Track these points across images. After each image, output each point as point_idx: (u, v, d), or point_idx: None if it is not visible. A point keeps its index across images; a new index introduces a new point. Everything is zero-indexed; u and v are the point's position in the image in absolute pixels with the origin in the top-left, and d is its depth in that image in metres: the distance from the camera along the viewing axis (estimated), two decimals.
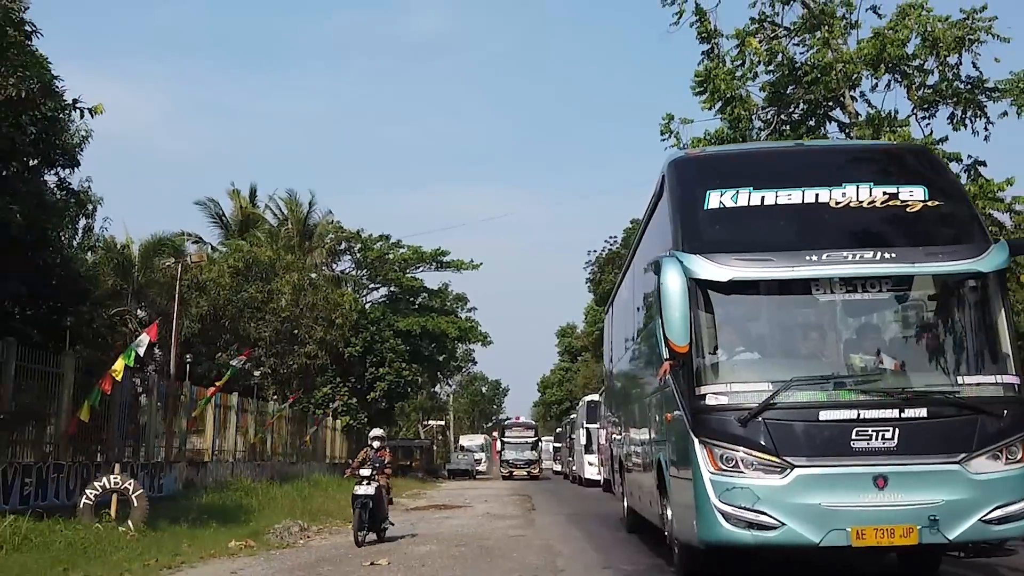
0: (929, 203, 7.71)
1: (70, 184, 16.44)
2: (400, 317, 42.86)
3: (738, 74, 17.91)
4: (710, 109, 18.23)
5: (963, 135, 17.10)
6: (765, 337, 7.81)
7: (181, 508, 14.44)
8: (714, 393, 7.17)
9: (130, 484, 12.21)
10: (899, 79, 17.59)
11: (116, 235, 25.34)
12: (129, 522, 11.66)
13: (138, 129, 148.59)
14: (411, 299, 45.93)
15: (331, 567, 9.66)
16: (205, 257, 25.67)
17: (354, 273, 44.64)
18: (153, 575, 9.08)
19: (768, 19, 18.32)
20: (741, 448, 7.00)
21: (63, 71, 13.36)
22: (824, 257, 7.24)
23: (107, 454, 16.29)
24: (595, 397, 31.59)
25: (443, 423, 73.52)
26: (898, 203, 7.73)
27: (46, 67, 11.03)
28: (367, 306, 42.49)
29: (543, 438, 50.73)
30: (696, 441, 7.18)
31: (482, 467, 55.49)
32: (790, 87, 18.20)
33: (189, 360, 22.55)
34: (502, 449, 45.50)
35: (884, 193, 7.77)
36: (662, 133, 18.55)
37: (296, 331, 30.17)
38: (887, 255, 7.26)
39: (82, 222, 21.85)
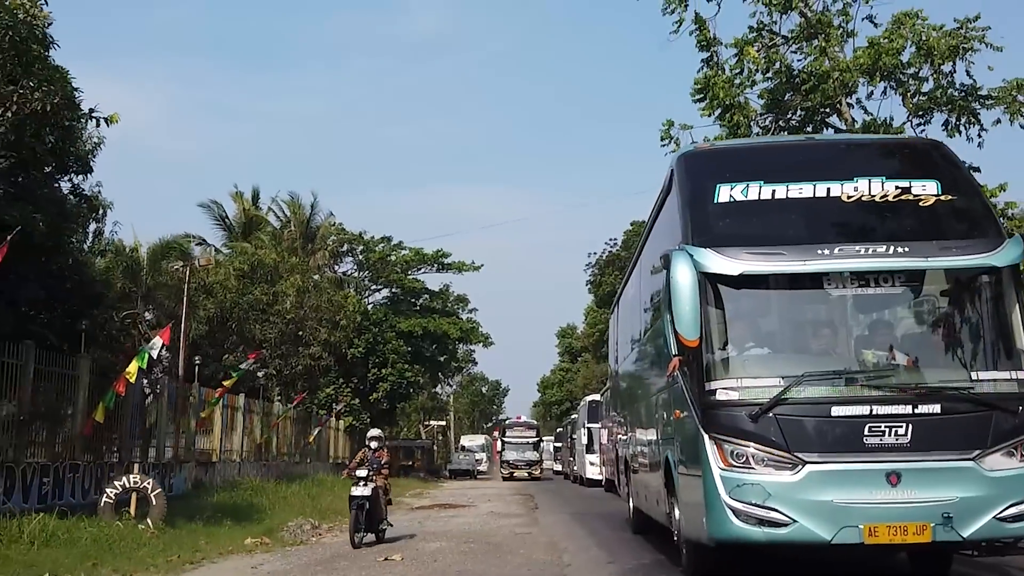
0: (942, 197, 7.61)
1: (83, 190, 16.85)
2: (402, 318, 43.28)
3: (736, 82, 18.27)
4: (709, 116, 18.61)
5: (957, 141, 17.43)
6: (776, 332, 7.76)
7: (194, 507, 14.82)
8: (724, 388, 7.10)
9: (149, 483, 12.61)
10: (894, 86, 17.94)
11: (124, 238, 25.70)
12: (148, 520, 12.06)
13: (138, 129, 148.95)
14: (413, 300, 46.36)
15: (347, 562, 10.05)
16: (213, 260, 26.02)
17: (356, 275, 45.08)
18: (177, 570, 9.47)
19: (766, 28, 18.68)
20: (752, 444, 6.92)
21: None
22: (836, 251, 7.17)
23: (120, 454, 16.67)
24: (596, 397, 31.88)
25: (444, 423, 73.93)
26: (911, 197, 7.63)
27: (68, 80, 11.39)
28: (369, 307, 42.90)
29: (543, 438, 49.92)
30: (706, 437, 7.10)
31: (483, 467, 55.80)
32: (788, 94, 18.57)
33: (198, 362, 22.93)
34: (503, 449, 44.77)
35: (896, 187, 7.68)
36: (662, 139, 18.89)
37: (301, 333, 30.55)
38: (900, 249, 7.17)
39: (92, 226, 22.19)
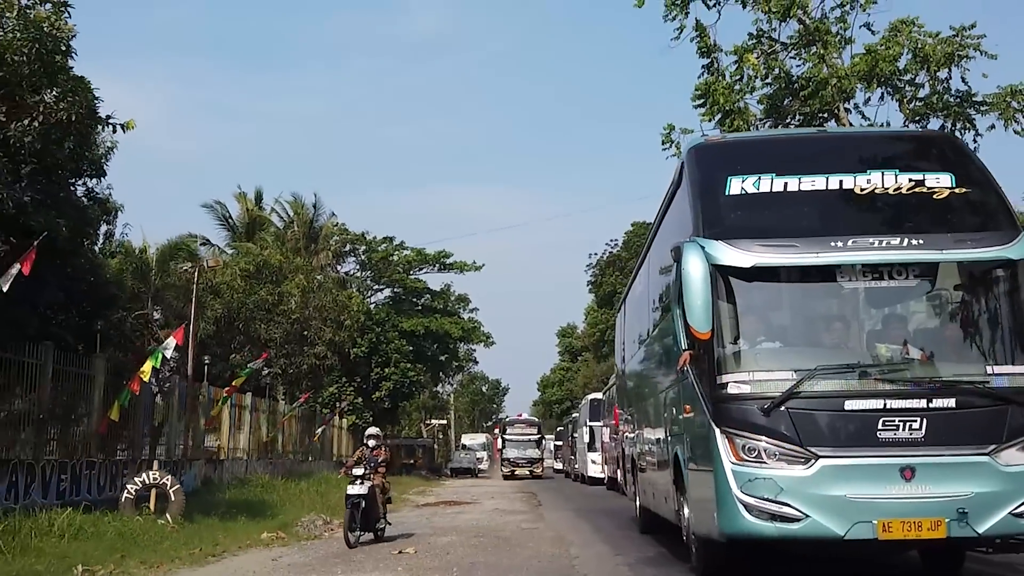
0: (956, 190, 7.53)
1: (97, 193, 17.24)
2: (404, 318, 43.71)
3: (736, 88, 18.67)
4: (710, 121, 19.01)
5: None
6: (788, 325, 7.69)
7: (208, 502, 15.23)
8: (736, 382, 7.03)
9: (168, 479, 13.02)
10: (891, 92, 18.33)
11: (133, 239, 26.09)
12: (167, 515, 12.46)
13: (138, 129, 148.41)
14: (414, 300, 46.78)
15: (363, 555, 10.46)
16: (221, 262, 26.43)
17: (359, 275, 45.50)
18: (200, 562, 9.87)
19: (765, 35, 19.08)
20: (764, 438, 6.85)
21: None
22: (850, 243, 7.09)
23: (131, 452, 17.07)
24: (598, 396, 32.22)
25: (444, 422, 74.37)
26: (925, 190, 7.54)
27: (89, 89, 11.76)
28: (372, 307, 43.32)
29: (545, 436, 49.34)
30: (717, 431, 7.04)
31: (483, 466, 56.15)
32: (786, 100, 18.98)
33: (207, 362, 23.32)
34: (503, 447, 44.06)
35: (910, 180, 7.60)
36: (663, 143, 19.28)
37: (306, 332, 30.94)
38: (914, 242, 7.08)
39: (103, 228, 22.58)
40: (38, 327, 13.29)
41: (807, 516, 6.70)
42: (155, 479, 12.98)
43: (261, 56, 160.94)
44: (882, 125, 18.09)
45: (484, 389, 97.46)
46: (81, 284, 15.72)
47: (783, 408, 6.85)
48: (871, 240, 7.10)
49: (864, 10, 18.13)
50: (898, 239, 7.10)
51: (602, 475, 29.49)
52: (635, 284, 13.95)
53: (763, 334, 7.48)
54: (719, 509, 7.01)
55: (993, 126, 17.59)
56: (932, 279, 7.37)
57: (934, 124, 18.28)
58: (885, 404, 6.80)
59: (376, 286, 46.24)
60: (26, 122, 10.75)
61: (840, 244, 7.10)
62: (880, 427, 6.76)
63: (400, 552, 10.59)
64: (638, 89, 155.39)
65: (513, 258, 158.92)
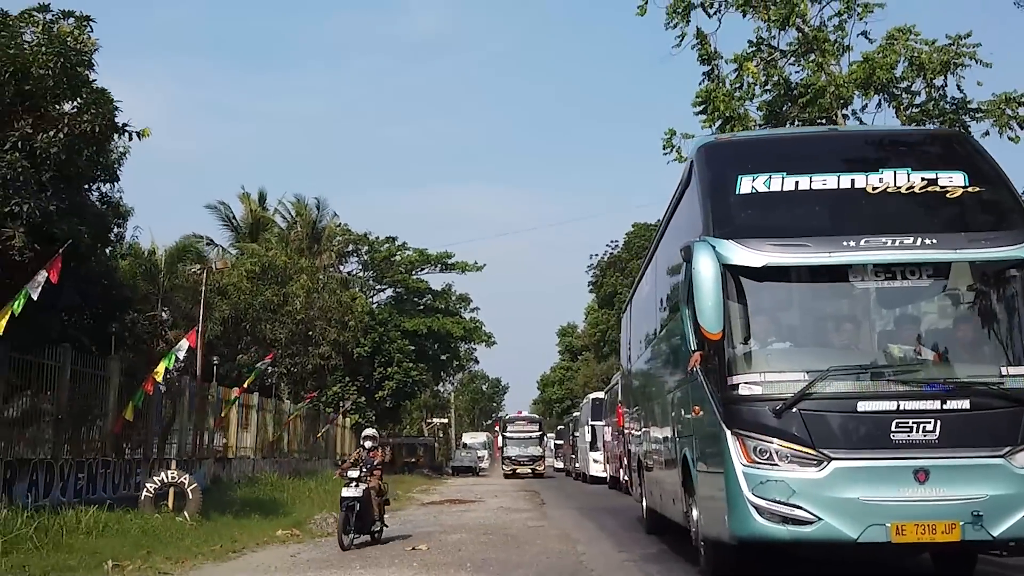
0: (970, 189, 7.42)
1: (111, 198, 17.61)
2: (406, 318, 44.12)
3: (736, 95, 19.06)
4: (710, 127, 19.39)
5: None
6: (800, 325, 7.60)
7: (220, 501, 15.60)
8: (747, 383, 6.95)
9: (185, 478, 13.41)
10: (888, 99, 18.73)
11: (141, 241, 26.48)
12: (185, 513, 12.85)
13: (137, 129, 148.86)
14: (416, 300, 47.20)
15: (378, 551, 10.87)
16: (229, 264, 26.82)
17: (361, 275, 45.91)
18: (222, 558, 10.27)
19: (765, 42, 19.46)
20: (776, 440, 6.78)
21: None
22: (862, 243, 6.99)
23: (145, 451, 17.45)
24: (600, 395, 32.48)
25: (446, 421, 74.79)
26: (937, 189, 7.44)
27: (111, 101, 12.12)
28: (375, 307, 43.73)
29: (546, 434, 48.35)
30: (728, 433, 6.97)
31: (484, 464, 56.48)
32: (785, 106, 19.38)
33: (216, 362, 23.72)
34: (504, 445, 43.49)
35: (923, 178, 7.50)
36: (664, 148, 19.66)
37: (311, 333, 31.32)
38: (927, 241, 6.98)
39: (113, 230, 22.93)
40: (60, 330, 13.67)
41: (820, 519, 6.65)
42: (173, 478, 13.37)
43: (261, 56, 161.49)
44: None
45: (484, 388, 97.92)
46: (96, 287, 16.07)
47: (795, 409, 6.80)
48: (884, 239, 7.01)
49: (861, 18, 18.55)
50: (911, 238, 6.99)
51: (604, 474, 29.79)
52: (642, 284, 13.88)
53: (774, 334, 7.42)
54: (730, 512, 6.96)
55: (988, 132, 17.93)
56: (945, 279, 7.26)
57: None
58: (898, 405, 6.73)
59: (378, 286, 46.70)
60: (51, 133, 11.10)
61: (852, 244, 7.01)
62: (893, 429, 6.68)
63: (413, 549, 10.98)
64: (638, 89, 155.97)
65: (513, 258, 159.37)
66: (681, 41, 19.42)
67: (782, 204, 7.61)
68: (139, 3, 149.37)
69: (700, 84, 19.67)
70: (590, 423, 32.06)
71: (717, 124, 19.18)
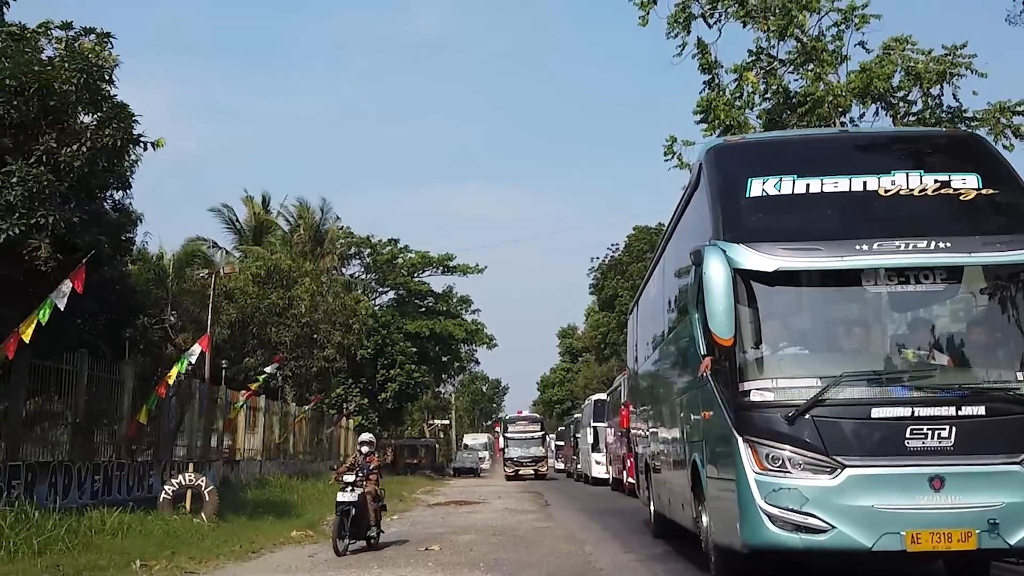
0: (983, 191, 7.32)
1: (123, 205, 17.97)
2: (408, 320, 44.48)
3: (737, 104, 19.45)
4: (712, 135, 19.76)
5: None
6: (812, 330, 7.50)
7: (232, 502, 15.95)
8: (759, 389, 6.88)
9: (202, 480, 13.78)
10: (885, 108, 19.13)
11: (149, 246, 26.79)
12: (202, 514, 13.21)
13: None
14: (418, 302, 47.55)
15: (393, 552, 11.26)
16: (237, 268, 27.17)
17: (363, 277, 46.27)
18: (244, 558, 10.66)
19: (764, 52, 19.85)
20: (788, 447, 6.70)
21: None
22: (875, 246, 6.91)
23: (158, 453, 17.81)
24: (602, 396, 32.58)
25: (447, 422, 75.15)
26: (951, 191, 7.33)
27: (131, 114, 12.46)
28: (377, 309, 44.08)
29: (548, 434, 47.81)
30: (740, 440, 6.89)
31: (485, 465, 56.77)
32: (784, 114, 19.76)
33: (225, 366, 24.03)
34: (506, 446, 42.73)
35: (935, 181, 7.39)
36: (665, 154, 20.09)
37: (316, 336, 31.65)
38: (942, 245, 6.88)
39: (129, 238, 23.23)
40: (79, 337, 14.03)
41: (833, 527, 6.57)
42: (191, 480, 13.74)
43: (261, 56, 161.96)
44: None
45: (484, 389, 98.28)
46: (111, 293, 16.44)
47: (808, 416, 6.72)
48: (897, 243, 6.93)
49: (858, 29, 18.95)
50: (925, 242, 6.91)
51: (606, 475, 29.88)
52: (649, 286, 13.81)
53: (786, 340, 7.33)
54: (742, 519, 6.89)
55: None
56: (960, 282, 7.18)
57: None
58: (913, 412, 6.65)
59: (381, 288, 47.05)
60: (75, 147, 11.46)
61: (865, 247, 6.93)
62: (908, 435, 6.60)
63: (427, 549, 11.36)
64: (639, 89, 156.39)
65: (513, 258, 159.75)
66: (682, 50, 19.84)
67: (793, 207, 7.55)
68: (139, 3, 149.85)
69: (701, 93, 20.08)
70: (592, 424, 32.05)
71: (718, 132, 19.54)
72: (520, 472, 40.89)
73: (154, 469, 16.35)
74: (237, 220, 39.79)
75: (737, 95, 19.51)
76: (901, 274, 7.01)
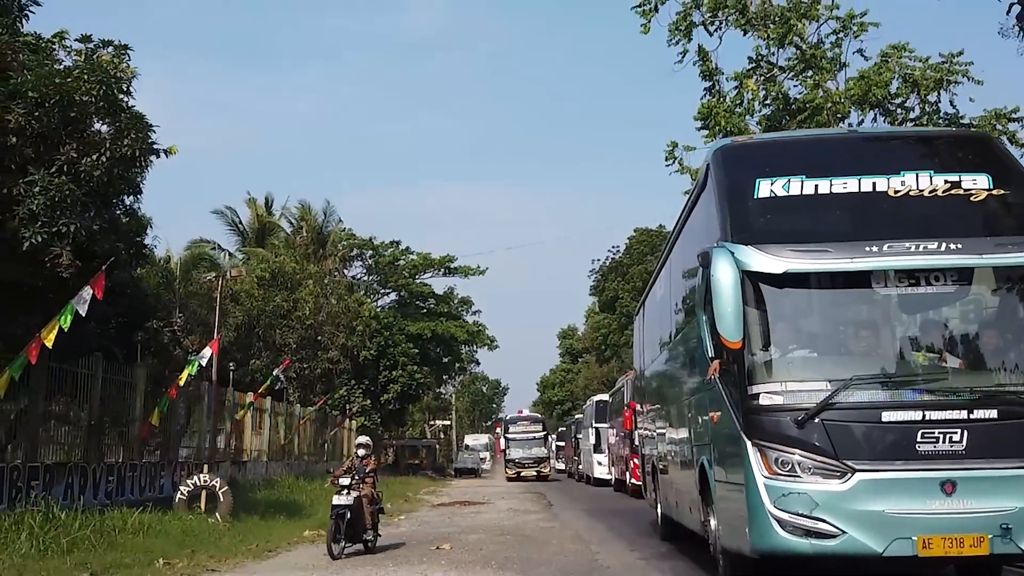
0: (994, 191, 7.23)
1: (134, 211, 18.26)
2: (410, 321, 44.78)
3: (737, 111, 19.78)
4: (712, 141, 20.09)
5: None
6: (822, 333, 7.36)
7: (244, 502, 16.22)
8: (768, 392, 6.80)
9: (217, 481, 14.09)
10: (884, 114, 19.46)
11: (156, 249, 27.09)
12: (217, 514, 13.53)
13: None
14: (420, 304, 47.85)
15: (406, 551, 11.58)
16: (243, 272, 27.49)
17: (365, 279, 46.56)
18: (261, 557, 10.97)
19: (764, 59, 20.18)
20: (798, 451, 6.62)
21: None
22: (885, 248, 6.82)
23: (168, 454, 18.12)
24: (604, 397, 32.83)
25: (448, 423, 75.46)
26: (961, 192, 7.24)
27: (148, 125, 12.75)
28: (379, 311, 44.38)
29: (549, 434, 46.23)
30: (749, 444, 6.82)
31: (486, 466, 57.08)
32: (784, 120, 20.09)
33: (233, 368, 24.35)
34: (507, 447, 41.74)
35: (946, 181, 7.31)
36: (666, 159, 20.42)
37: (320, 338, 31.97)
38: (952, 246, 6.78)
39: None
40: (93, 340, 14.33)
41: (844, 532, 6.50)
42: (206, 481, 14.05)
43: (260, 55, 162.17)
44: None
45: (484, 389, 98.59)
46: (123, 297, 16.74)
47: (818, 420, 6.64)
48: (908, 245, 6.85)
49: (856, 36, 19.28)
50: (935, 243, 6.83)
51: (608, 476, 30.08)
52: (655, 287, 13.75)
53: (795, 342, 7.25)
54: (751, 524, 6.82)
55: None
56: (971, 284, 7.10)
57: None
58: (924, 415, 6.57)
59: (383, 290, 47.34)
60: (94, 157, 11.76)
61: (875, 249, 6.84)
62: (919, 439, 6.53)
63: (438, 548, 11.67)
64: (638, 88, 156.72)
65: (513, 259, 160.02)
66: (683, 58, 20.19)
67: (802, 208, 7.48)
68: (139, 3, 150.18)
69: (702, 99, 20.45)
70: (594, 425, 32.15)
71: (718, 138, 19.90)
72: (522, 473, 40.20)
73: (164, 470, 16.67)
74: (240, 222, 40.11)
75: (737, 102, 19.85)
76: (911, 276, 6.94)
